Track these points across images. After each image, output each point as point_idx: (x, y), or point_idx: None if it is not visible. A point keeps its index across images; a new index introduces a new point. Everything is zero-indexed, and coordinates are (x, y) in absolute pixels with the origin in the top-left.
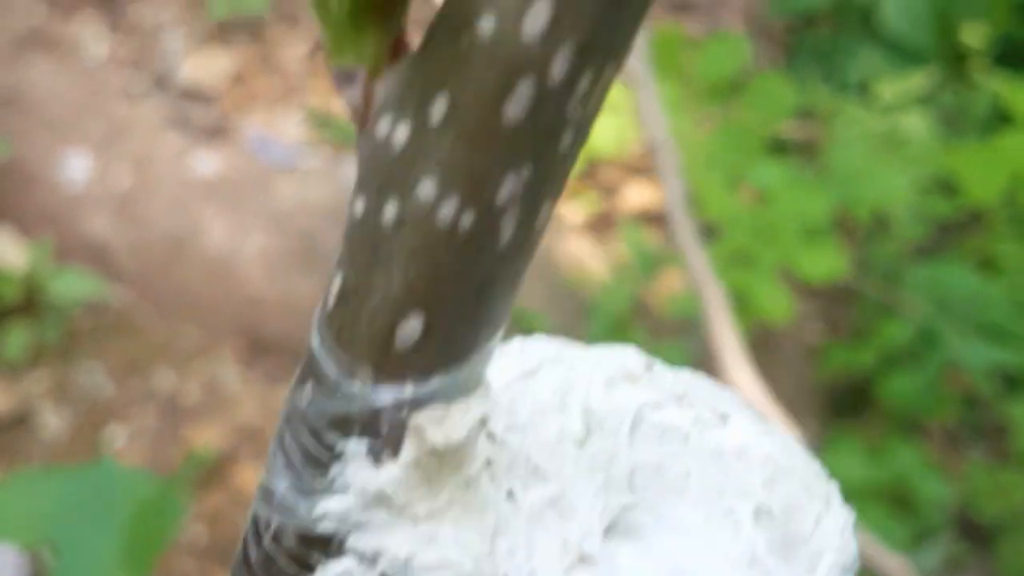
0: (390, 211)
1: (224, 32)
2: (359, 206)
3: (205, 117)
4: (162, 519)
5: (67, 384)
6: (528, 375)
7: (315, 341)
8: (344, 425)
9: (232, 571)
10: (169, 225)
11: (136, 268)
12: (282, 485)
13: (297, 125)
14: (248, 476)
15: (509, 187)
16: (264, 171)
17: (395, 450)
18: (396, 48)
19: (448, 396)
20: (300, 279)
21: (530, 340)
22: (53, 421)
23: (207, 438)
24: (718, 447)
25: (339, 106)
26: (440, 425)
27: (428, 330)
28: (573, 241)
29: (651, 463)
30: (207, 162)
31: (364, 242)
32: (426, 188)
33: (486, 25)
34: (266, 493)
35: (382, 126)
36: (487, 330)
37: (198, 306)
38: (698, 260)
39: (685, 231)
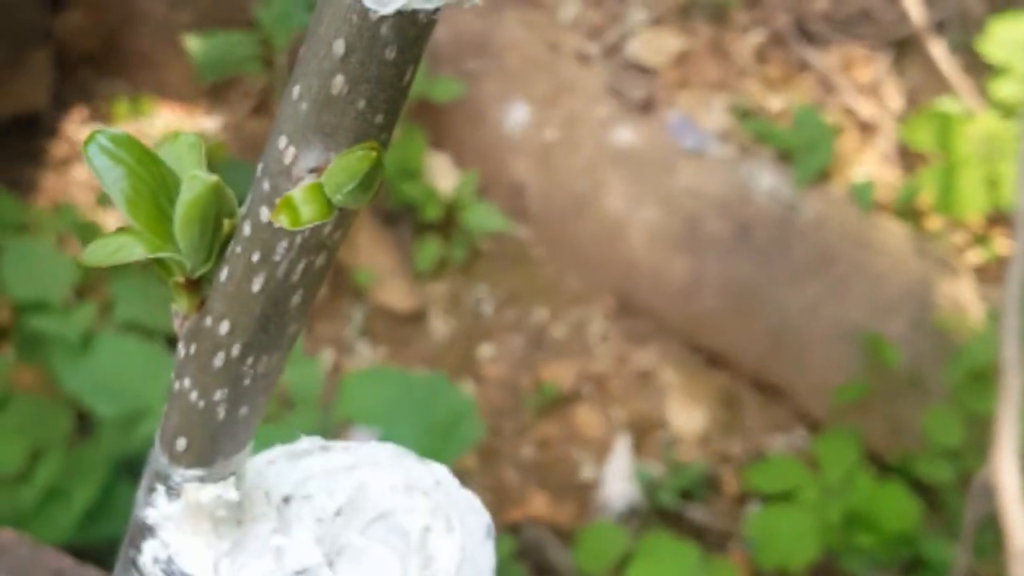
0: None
1: (685, 13)
2: (178, 386)
3: (638, 91)
4: (462, 435)
5: (459, 299)
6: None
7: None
8: (160, 480)
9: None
10: (578, 183)
11: (542, 214)
12: (141, 497)
13: (720, 113)
14: (584, 416)
15: (218, 395)
16: (673, 152)
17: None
18: (200, 306)
19: (206, 479)
20: (675, 257)
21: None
22: (441, 326)
23: (559, 375)
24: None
25: (771, 103)
26: (195, 491)
27: (188, 446)
28: (959, 282)
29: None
30: (626, 133)
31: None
32: (186, 383)
33: (208, 321)
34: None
35: (180, 347)
36: (226, 450)
37: (584, 260)
38: (1010, 349)
39: (1010, 321)
